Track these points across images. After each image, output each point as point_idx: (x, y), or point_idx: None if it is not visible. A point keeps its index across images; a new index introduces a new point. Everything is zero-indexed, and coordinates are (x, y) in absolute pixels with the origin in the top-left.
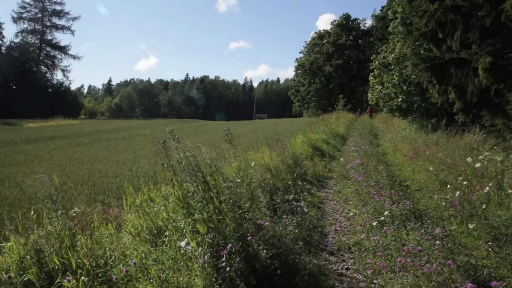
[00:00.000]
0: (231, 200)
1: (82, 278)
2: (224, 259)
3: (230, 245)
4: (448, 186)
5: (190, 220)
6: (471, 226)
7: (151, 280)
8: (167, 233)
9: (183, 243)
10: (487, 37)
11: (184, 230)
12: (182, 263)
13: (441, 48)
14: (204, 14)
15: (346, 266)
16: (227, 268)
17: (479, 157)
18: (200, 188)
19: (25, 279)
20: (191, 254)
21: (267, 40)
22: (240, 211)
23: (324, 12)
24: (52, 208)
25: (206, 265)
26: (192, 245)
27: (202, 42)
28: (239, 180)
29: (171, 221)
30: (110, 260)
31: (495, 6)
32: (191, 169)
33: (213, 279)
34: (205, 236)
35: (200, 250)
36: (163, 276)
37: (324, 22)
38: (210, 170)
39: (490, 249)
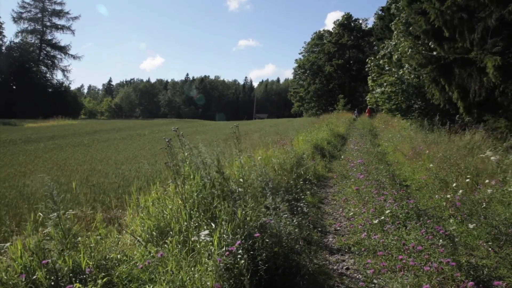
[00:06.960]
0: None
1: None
2: (239, 253)
3: (239, 241)
4: (454, 184)
5: (206, 214)
6: (471, 226)
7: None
8: (171, 233)
9: (202, 235)
10: (492, 37)
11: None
12: (190, 260)
13: (444, 47)
14: (213, 12)
15: (346, 266)
16: (241, 262)
17: (480, 155)
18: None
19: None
20: (206, 248)
21: (275, 39)
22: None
23: (334, 10)
24: (53, 209)
25: (220, 260)
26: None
27: (210, 40)
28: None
29: (177, 219)
30: (114, 262)
31: (499, 6)
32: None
33: (224, 275)
34: (221, 231)
35: (216, 244)
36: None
37: (332, 20)
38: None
39: (490, 249)
